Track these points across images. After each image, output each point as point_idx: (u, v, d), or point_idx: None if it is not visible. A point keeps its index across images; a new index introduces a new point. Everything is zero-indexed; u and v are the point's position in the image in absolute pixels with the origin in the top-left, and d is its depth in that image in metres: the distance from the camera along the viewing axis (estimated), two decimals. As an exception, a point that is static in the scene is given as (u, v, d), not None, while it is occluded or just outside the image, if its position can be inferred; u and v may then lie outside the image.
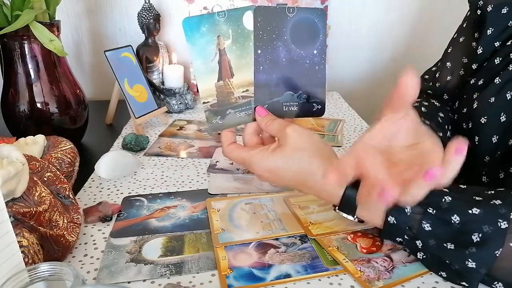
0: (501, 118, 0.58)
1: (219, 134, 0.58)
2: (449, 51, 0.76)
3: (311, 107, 0.57)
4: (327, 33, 1.18)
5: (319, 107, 0.57)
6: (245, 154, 0.54)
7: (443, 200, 0.46)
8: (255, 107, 0.55)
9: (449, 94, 0.74)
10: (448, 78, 0.74)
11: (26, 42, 0.78)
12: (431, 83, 0.77)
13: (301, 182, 0.52)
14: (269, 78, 0.54)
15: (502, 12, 0.61)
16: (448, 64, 0.74)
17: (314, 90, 0.56)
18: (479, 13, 0.66)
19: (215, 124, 0.55)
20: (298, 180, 0.52)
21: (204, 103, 0.53)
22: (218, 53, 0.52)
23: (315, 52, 0.55)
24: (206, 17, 0.51)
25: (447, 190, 0.48)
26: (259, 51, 0.53)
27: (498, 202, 0.45)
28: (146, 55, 1.13)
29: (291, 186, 0.53)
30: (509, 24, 0.61)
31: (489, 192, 0.47)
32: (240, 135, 0.58)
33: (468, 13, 0.71)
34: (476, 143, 0.61)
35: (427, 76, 0.79)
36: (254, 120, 0.56)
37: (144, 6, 1.10)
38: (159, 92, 1.06)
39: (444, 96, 0.74)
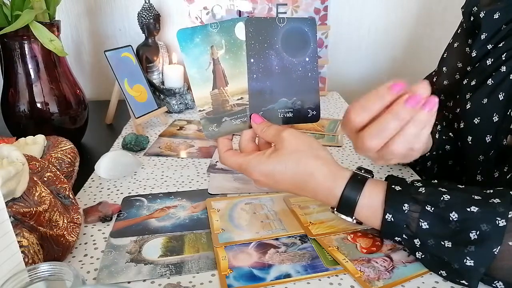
0: (493, 118, 0.59)
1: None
2: (444, 56, 0.77)
3: (306, 113, 0.58)
4: (327, 34, 1.19)
5: (314, 112, 0.58)
6: (242, 160, 0.54)
7: (442, 198, 0.47)
8: (251, 115, 0.56)
9: (446, 96, 0.75)
10: (445, 82, 0.75)
11: (26, 42, 0.78)
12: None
13: (298, 184, 0.52)
14: (263, 86, 0.56)
15: (495, 17, 0.63)
16: (444, 69, 0.76)
17: (308, 96, 0.58)
18: (472, 20, 0.67)
19: (211, 132, 0.56)
20: (295, 182, 0.52)
21: (200, 111, 0.55)
22: (212, 62, 0.54)
23: (307, 59, 0.56)
24: (199, 29, 0.53)
25: (445, 189, 0.48)
26: (252, 60, 0.54)
27: (496, 200, 0.45)
28: (146, 55, 1.13)
29: (288, 189, 0.54)
30: (501, 28, 0.62)
31: (488, 191, 0.47)
32: (238, 135, 0.58)
33: (462, 19, 0.72)
34: (470, 142, 0.62)
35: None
36: (250, 127, 0.56)
37: (144, 6, 1.10)
38: (159, 92, 1.06)
39: (441, 97, 0.75)
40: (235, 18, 0.54)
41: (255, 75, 0.55)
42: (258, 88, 0.56)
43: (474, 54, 0.65)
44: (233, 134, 0.58)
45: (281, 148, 0.52)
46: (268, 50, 0.55)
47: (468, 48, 0.71)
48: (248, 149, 0.56)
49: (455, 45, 0.75)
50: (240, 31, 0.54)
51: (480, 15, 0.64)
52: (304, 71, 0.57)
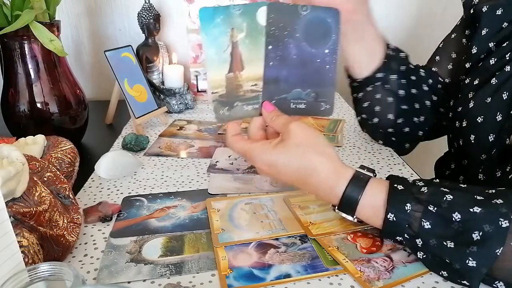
0: (497, 117, 0.59)
1: (220, 134, 0.58)
2: (440, 46, 0.78)
3: (319, 106, 0.57)
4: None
5: (328, 106, 0.57)
6: (247, 146, 0.54)
7: (444, 198, 0.47)
8: (263, 102, 0.55)
9: (434, 80, 0.77)
10: (434, 69, 0.76)
11: (26, 42, 0.78)
12: None
13: (300, 178, 0.52)
14: (279, 74, 0.55)
15: (497, 13, 0.62)
16: (437, 58, 0.77)
17: (323, 89, 0.56)
18: (472, 12, 0.67)
19: (221, 115, 0.55)
20: (297, 176, 0.52)
21: (213, 93, 0.54)
22: (231, 45, 0.53)
23: (326, 51, 0.55)
24: (222, 9, 0.51)
25: (448, 189, 0.48)
26: (270, 47, 0.53)
27: (499, 201, 0.45)
28: (146, 55, 1.13)
29: (290, 182, 0.54)
30: (503, 26, 0.62)
31: (490, 191, 0.47)
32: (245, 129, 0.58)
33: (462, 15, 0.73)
34: (472, 141, 0.62)
35: None
36: (261, 115, 0.56)
37: (144, 6, 1.10)
38: (159, 92, 1.06)
39: (429, 81, 0.77)
40: (259, 2, 0.52)
41: (271, 63, 0.54)
42: (273, 76, 0.55)
43: (474, 50, 0.65)
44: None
45: (287, 140, 0.52)
46: (287, 38, 0.54)
47: (465, 40, 0.71)
48: (256, 136, 0.56)
49: (453, 36, 0.75)
50: (262, 16, 0.52)
51: (483, 9, 0.64)
52: (322, 63, 0.55)
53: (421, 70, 0.77)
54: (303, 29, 0.54)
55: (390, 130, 0.78)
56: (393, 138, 0.80)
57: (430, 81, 0.76)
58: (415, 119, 0.76)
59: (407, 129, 0.77)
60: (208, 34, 0.51)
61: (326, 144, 0.53)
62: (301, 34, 0.54)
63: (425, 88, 0.75)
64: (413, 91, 0.74)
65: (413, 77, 0.75)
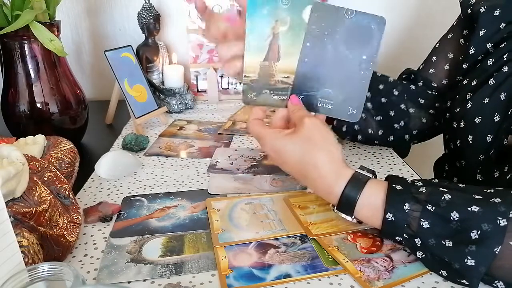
0: (495, 118, 0.59)
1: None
2: (436, 46, 0.78)
3: (346, 110, 0.57)
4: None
5: (355, 111, 0.57)
6: (262, 131, 0.56)
7: (443, 198, 0.47)
8: (291, 94, 0.57)
9: (426, 83, 0.77)
10: (431, 70, 0.76)
11: (26, 42, 0.78)
12: (413, 74, 0.81)
13: (301, 171, 0.53)
14: (312, 71, 0.56)
15: (495, 14, 0.62)
16: (434, 58, 0.77)
17: (353, 94, 0.57)
18: (469, 12, 0.67)
19: (249, 98, 0.57)
20: (299, 168, 0.53)
21: (245, 76, 0.56)
22: (272, 36, 0.54)
23: (364, 57, 0.55)
24: (270, 1, 0.53)
25: (446, 189, 0.48)
26: (308, 44, 0.55)
27: (497, 200, 0.45)
28: (146, 55, 1.13)
29: (292, 172, 0.55)
30: (501, 27, 0.62)
31: (489, 191, 0.47)
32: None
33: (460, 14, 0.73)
34: (470, 142, 0.62)
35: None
36: (286, 106, 0.58)
37: (144, 6, 1.10)
38: (159, 92, 1.06)
39: (419, 82, 0.78)
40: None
41: (306, 59, 0.55)
42: (306, 72, 0.56)
43: (472, 51, 0.65)
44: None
45: (298, 132, 0.53)
46: (327, 38, 0.54)
47: (462, 40, 0.71)
48: (277, 125, 0.58)
49: (449, 36, 0.75)
50: (308, 13, 0.54)
51: (480, 10, 0.64)
52: (358, 68, 0.56)
53: (391, 78, 0.78)
54: (345, 32, 0.54)
55: (376, 142, 0.79)
56: (385, 143, 0.81)
57: (412, 87, 0.77)
58: (395, 125, 0.77)
59: (391, 138, 0.78)
60: (252, 21, 0.53)
61: (333, 143, 0.53)
62: (342, 36, 0.54)
63: (396, 92, 0.76)
64: (383, 100, 0.75)
65: (380, 86, 0.75)
